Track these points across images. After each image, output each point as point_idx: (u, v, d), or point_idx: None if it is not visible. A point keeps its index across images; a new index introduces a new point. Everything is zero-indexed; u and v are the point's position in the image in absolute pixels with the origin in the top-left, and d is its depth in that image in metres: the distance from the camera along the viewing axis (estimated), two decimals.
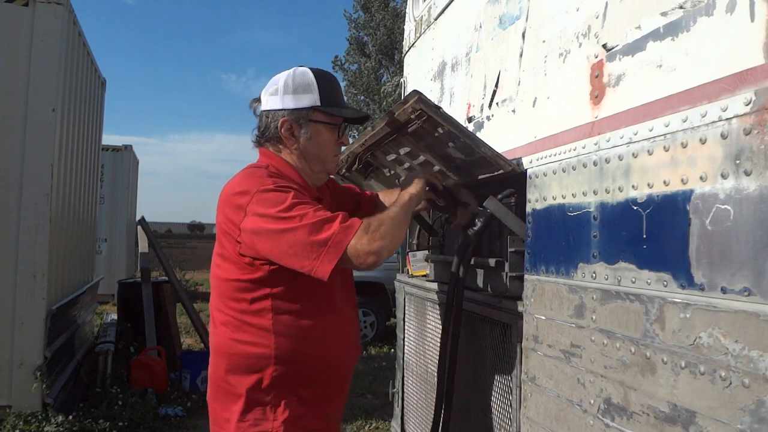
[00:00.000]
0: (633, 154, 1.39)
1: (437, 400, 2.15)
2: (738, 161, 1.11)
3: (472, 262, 2.10)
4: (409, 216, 1.86)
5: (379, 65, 21.72)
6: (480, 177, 2.00)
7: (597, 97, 1.56)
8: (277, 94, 1.87)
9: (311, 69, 1.90)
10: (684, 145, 1.24)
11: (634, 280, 1.36)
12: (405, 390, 3.07)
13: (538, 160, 1.81)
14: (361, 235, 1.64)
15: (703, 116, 1.20)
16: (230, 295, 1.80)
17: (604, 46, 1.54)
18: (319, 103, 1.86)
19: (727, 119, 1.14)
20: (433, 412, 2.18)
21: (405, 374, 3.07)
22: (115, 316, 7.91)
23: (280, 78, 1.89)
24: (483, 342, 2.13)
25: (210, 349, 1.91)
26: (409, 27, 3.49)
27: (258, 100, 1.95)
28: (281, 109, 1.87)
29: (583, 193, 1.57)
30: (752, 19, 1.11)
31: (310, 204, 1.70)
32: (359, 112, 2.06)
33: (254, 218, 1.69)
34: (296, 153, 1.89)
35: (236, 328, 1.79)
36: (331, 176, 2.14)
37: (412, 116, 1.83)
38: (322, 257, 1.63)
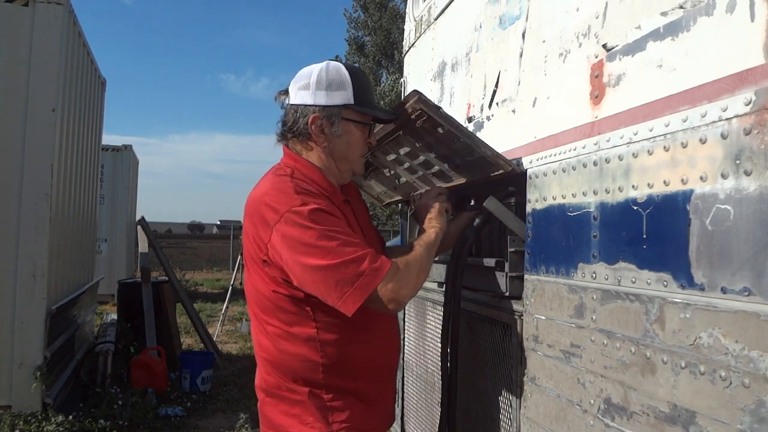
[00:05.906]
0: (633, 154, 1.39)
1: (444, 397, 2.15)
2: (738, 161, 1.11)
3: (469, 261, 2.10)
4: (433, 254, 1.83)
5: (378, 65, 21.69)
6: (480, 177, 2.00)
7: (597, 97, 1.56)
8: (309, 88, 1.77)
9: (344, 65, 1.83)
10: (684, 145, 1.24)
11: (634, 280, 1.36)
12: (405, 390, 3.07)
13: (538, 160, 1.81)
14: (388, 280, 1.60)
15: (703, 116, 1.20)
16: (272, 305, 1.76)
17: (604, 46, 1.54)
18: (352, 101, 1.78)
19: (727, 119, 1.14)
20: (433, 412, 2.17)
21: (405, 374, 3.07)
22: (115, 316, 7.91)
23: (313, 71, 1.79)
24: (483, 342, 2.13)
25: (256, 358, 1.87)
26: (409, 27, 3.49)
27: (285, 92, 1.85)
28: (312, 105, 1.78)
29: (583, 193, 1.57)
30: (752, 19, 1.11)
31: (340, 233, 1.63)
32: (390, 112, 1.98)
33: (281, 239, 1.64)
34: (325, 151, 1.82)
35: (282, 339, 1.75)
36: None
37: (412, 116, 1.83)
38: (346, 297, 1.58)
